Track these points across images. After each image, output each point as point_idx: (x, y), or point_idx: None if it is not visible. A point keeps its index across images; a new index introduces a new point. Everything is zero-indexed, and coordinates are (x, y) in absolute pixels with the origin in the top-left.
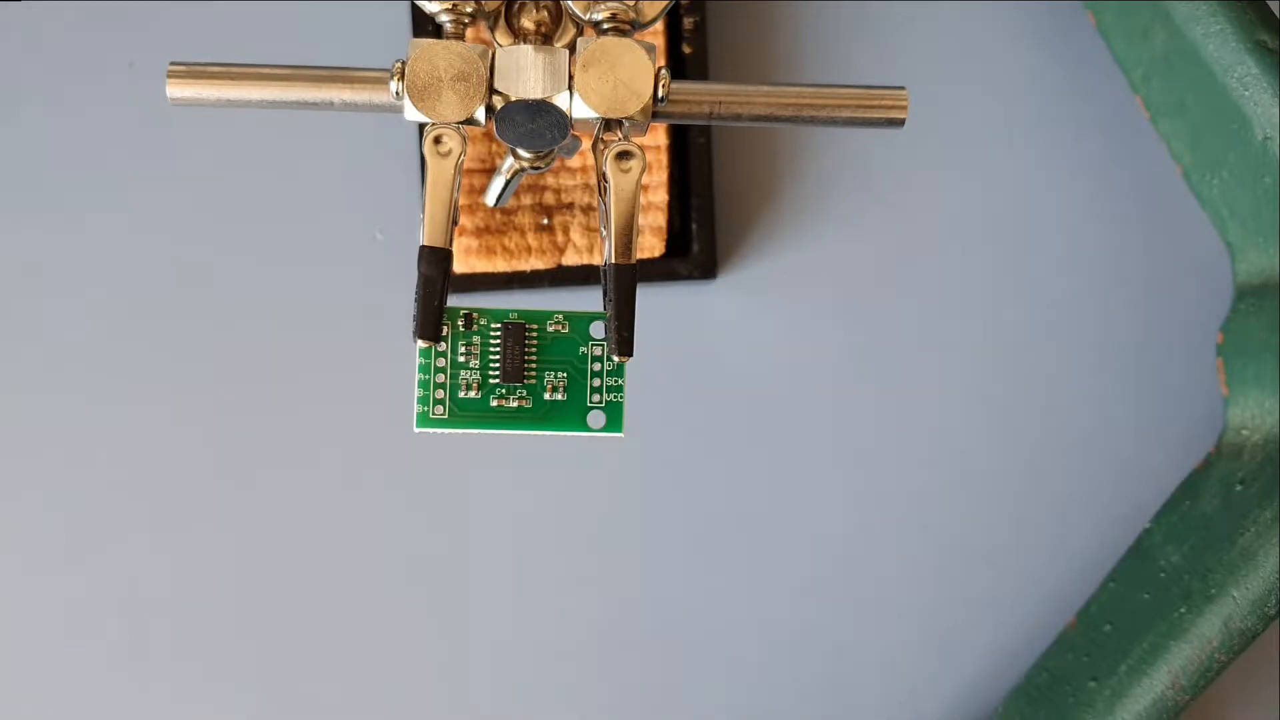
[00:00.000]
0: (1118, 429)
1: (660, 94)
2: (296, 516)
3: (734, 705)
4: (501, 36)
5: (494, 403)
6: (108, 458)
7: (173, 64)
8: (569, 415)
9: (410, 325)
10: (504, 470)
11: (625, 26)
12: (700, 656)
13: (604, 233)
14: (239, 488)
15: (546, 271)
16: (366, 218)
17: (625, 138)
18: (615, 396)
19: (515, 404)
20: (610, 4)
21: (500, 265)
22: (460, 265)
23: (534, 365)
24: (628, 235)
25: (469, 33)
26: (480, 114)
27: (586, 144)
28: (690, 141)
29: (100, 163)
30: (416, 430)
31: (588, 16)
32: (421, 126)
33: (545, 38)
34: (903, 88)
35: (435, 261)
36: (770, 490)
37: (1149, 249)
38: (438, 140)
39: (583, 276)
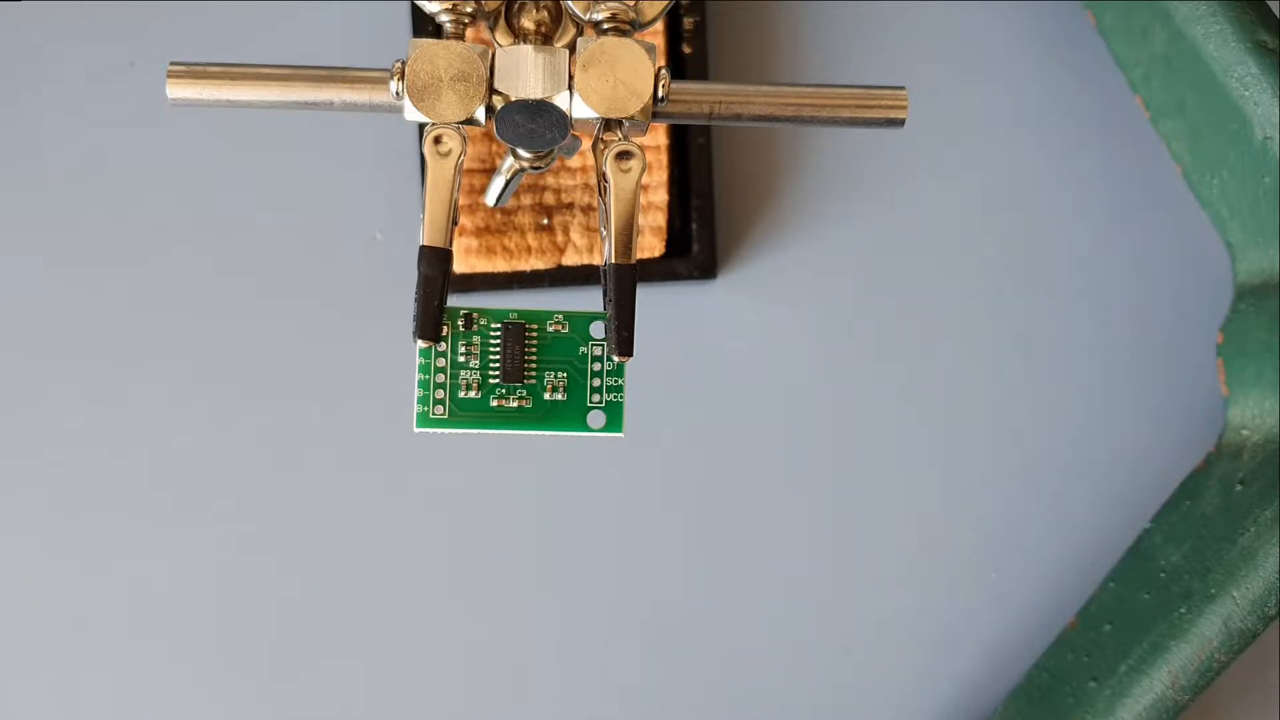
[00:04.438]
0: (1118, 429)
1: (660, 94)
2: (296, 517)
3: (734, 705)
4: (501, 36)
5: (494, 403)
6: (106, 457)
7: (173, 64)
8: (569, 415)
9: (410, 325)
10: (504, 470)
11: (625, 26)
12: (700, 656)
13: (604, 233)
14: (238, 488)
15: (546, 271)
16: (366, 218)
17: (625, 138)
18: (615, 396)
19: (515, 404)
20: (610, 4)
21: (500, 265)
22: (460, 265)
23: (534, 365)
24: (628, 235)
25: (469, 33)
26: (480, 114)
27: (586, 144)
28: (690, 141)
29: (100, 163)
30: (416, 430)
31: (588, 16)
32: (421, 126)
33: (545, 38)
34: (903, 88)
35: (435, 261)
36: (770, 490)
37: (1149, 249)
38: (438, 140)
39: (583, 276)
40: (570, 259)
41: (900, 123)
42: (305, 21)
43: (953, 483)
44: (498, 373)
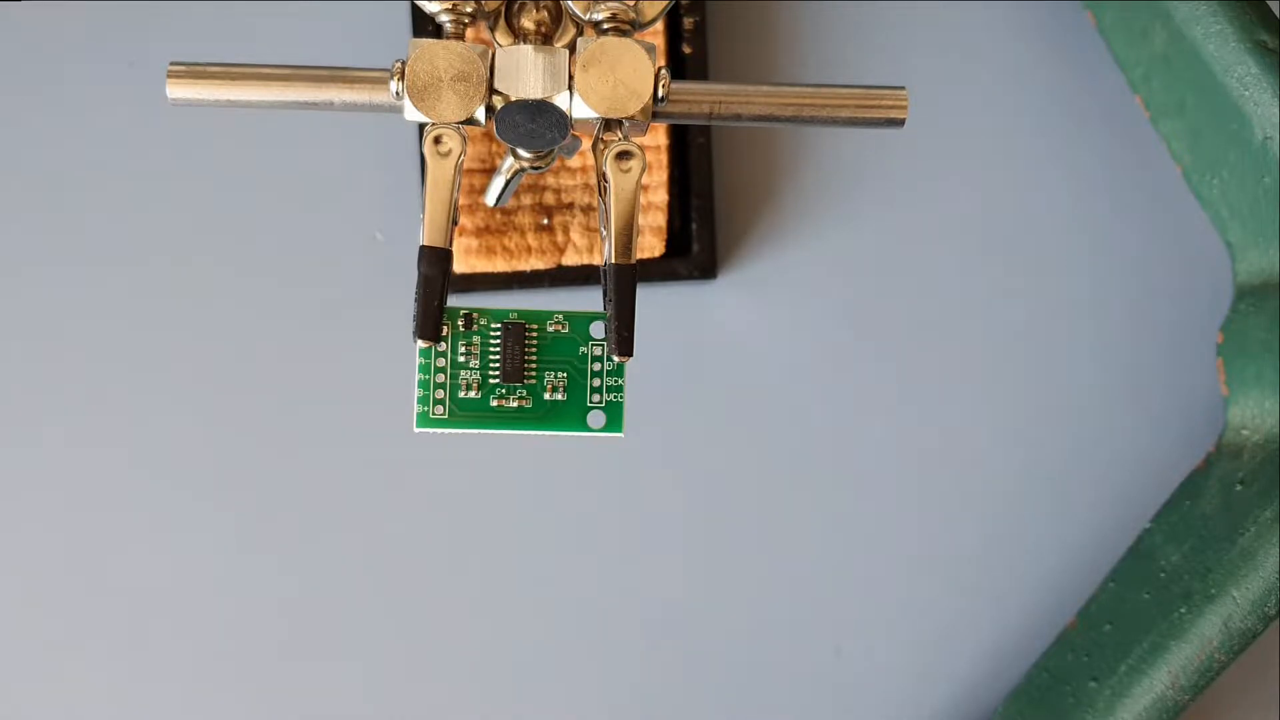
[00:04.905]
0: (1118, 429)
1: (660, 94)
2: (296, 516)
3: (734, 705)
4: (501, 36)
5: (494, 403)
6: (106, 457)
7: (173, 64)
8: (569, 415)
9: (410, 325)
10: (504, 470)
11: (625, 26)
12: (699, 656)
13: (604, 233)
14: (238, 488)
15: (546, 271)
16: (366, 218)
17: (625, 138)
18: (615, 396)
19: (515, 404)
20: (610, 4)
21: (500, 265)
22: (460, 265)
23: (534, 365)
24: (628, 235)
25: (469, 33)
26: (480, 114)
27: (586, 144)
28: (690, 141)
29: (100, 163)
30: (416, 430)
31: (588, 16)
32: (421, 126)
33: (545, 38)
34: (903, 88)
35: (435, 261)
36: (769, 489)
37: (1149, 249)
38: (438, 140)
39: (583, 276)
40: (570, 259)
41: (900, 123)
42: (305, 21)
43: (952, 482)
44: (498, 373)
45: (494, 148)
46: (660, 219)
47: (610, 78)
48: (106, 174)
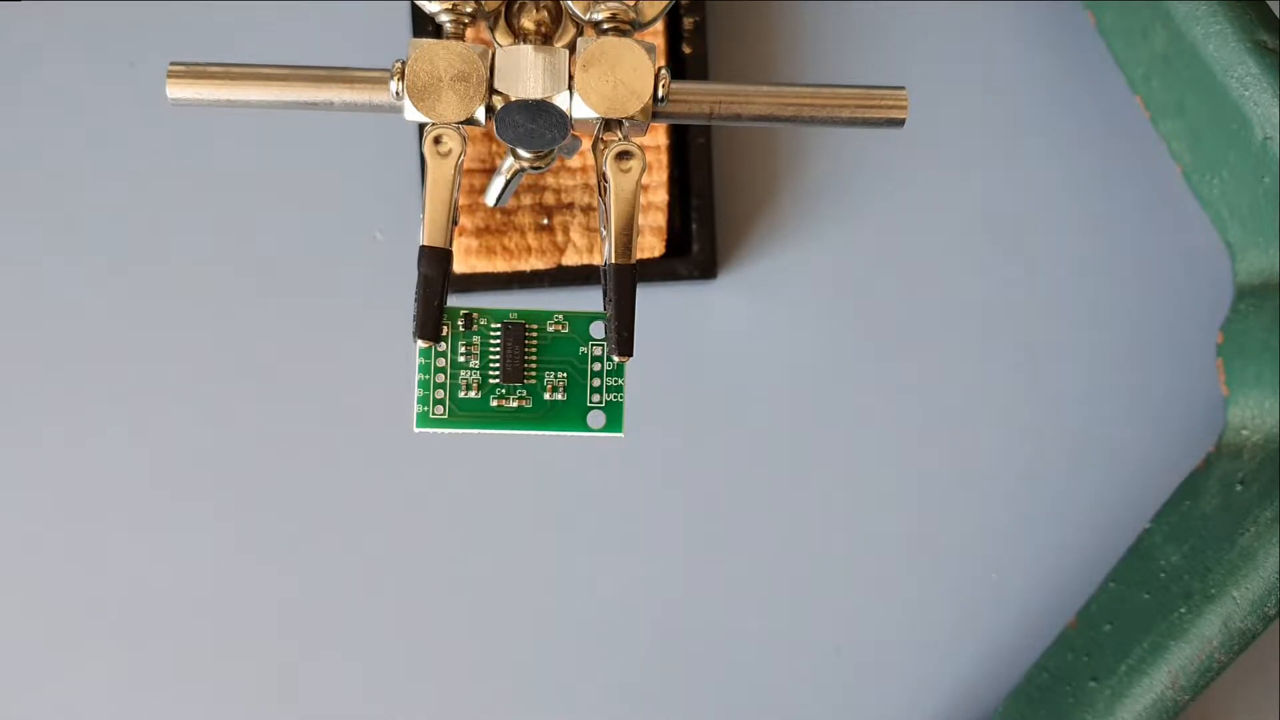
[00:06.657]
0: (1118, 429)
1: (660, 94)
2: (296, 516)
3: (733, 705)
4: (501, 36)
5: (494, 403)
6: (106, 458)
7: (173, 64)
8: (569, 415)
9: (410, 325)
10: (504, 470)
11: (625, 26)
12: (699, 656)
13: (604, 233)
14: (238, 488)
15: (546, 271)
16: (366, 218)
17: (625, 138)
18: (615, 396)
19: (515, 404)
20: (610, 4)
21: (500, 265)
22: (460, 265)
23: (534, 365)
24: (628, 235)
25: (469, 33)
26: (480, 114)
27: (586, 144)
28: (690, 141)
29: (100, 163)
30: (416, 430)
31: (588, 16)
32: (421, 126)
33: (545, 38)
34: (903, 88)
35: (435, 261)
36: (769, 490)
37: (1149, 249)
38: (438, 140)
39: (583, 276)
40: (570, 259)
41: (900, 123)
42: (305, 21)
43: (952, 483)
44: (498, 373)
45: (494, 148)
46: (660, 219)
47: (610, 78)
48: (106, 174)
